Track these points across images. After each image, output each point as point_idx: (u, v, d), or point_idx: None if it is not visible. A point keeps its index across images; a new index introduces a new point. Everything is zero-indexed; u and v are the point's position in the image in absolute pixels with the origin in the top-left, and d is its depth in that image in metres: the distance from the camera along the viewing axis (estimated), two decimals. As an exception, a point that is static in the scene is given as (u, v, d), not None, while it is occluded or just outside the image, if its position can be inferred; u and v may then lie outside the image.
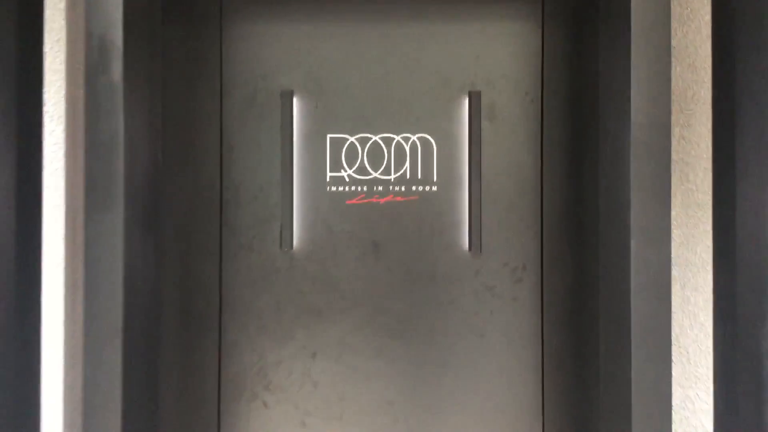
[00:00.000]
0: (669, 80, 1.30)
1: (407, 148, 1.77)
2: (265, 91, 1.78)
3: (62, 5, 1.54)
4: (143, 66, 1.41)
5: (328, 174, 1.78)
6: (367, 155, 1.77)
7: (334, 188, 1.78)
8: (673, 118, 1.54)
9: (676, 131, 1.53)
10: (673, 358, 1.55)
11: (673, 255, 1.54)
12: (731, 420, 1.28)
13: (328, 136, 1.78)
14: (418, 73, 1.79)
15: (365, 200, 1.78)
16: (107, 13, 1.30)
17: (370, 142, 1.77)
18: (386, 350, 1.77)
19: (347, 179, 1.78)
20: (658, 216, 1.30)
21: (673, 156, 1.54)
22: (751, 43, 1.19)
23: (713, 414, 1.39)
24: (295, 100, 1.78)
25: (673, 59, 1.55)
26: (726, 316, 1.29)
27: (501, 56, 1.78)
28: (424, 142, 1.78)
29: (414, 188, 1.77)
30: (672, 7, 1.57)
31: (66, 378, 1.54)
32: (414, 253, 1.77)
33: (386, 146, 1.77)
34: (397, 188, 1.77)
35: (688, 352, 1.51)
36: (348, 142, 1.78)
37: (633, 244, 1.31)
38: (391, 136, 1.78)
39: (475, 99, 1.76)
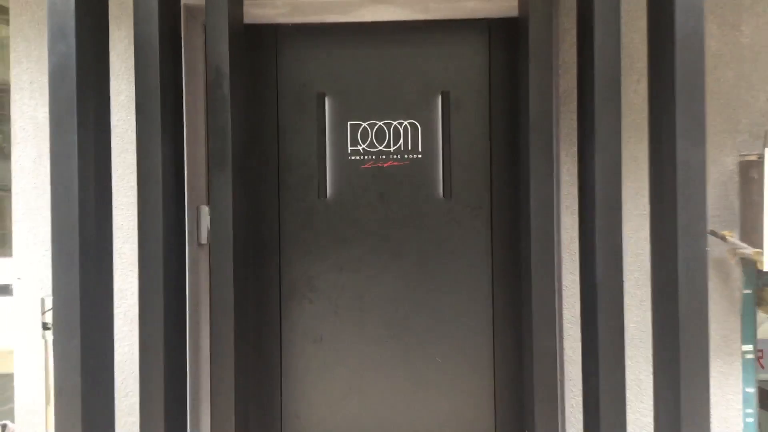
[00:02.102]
0: (551, 85, 2.19)
1: (401, 130, 2.67)
2: (306, 93, 2.69)
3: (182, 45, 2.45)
4: (238, 82, 2.31)
5: (349, 148, 2.68)
6: (374, 135, 2.67)
7: (353, 158, 2.68)
8: (565, 107, 2.43)
9: (567, 116, 2.43)
10: (565, 255, 2.45)
11: (565, 191, 2.43)
12: (585, 281, 2.19)
13: (348, 122, 2.68)
14: (408, 79, 2.68)
15: (374, 165, 2.68)
16: (220, 51, 2.20)
17: (377, 126, 2.67)
18: (389, 264, 2.68)
19: (361, 151, 2.68)
20: (544, 164, 2.19)
21: (566, 131, 2.44)
22: (592, 65, 2.07)
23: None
24: (326, 99, 2.68)
25: (563, 71, 2.44)
26: (581, 224, 2.19)
27: (463, 67, 2.67)
28: (413, 126, 2.67)
29: (406, 156, 2.67)
30: (564, 38, 2.45)
31: (191, 276, 2.46)
32: (407, 199, 2.68)
33: (387, 128, 2.67)
34: (395, 156, 2.67)
35: (575, 253, 2.40)
36: (362, 126, 2.68)
37: (532, 182, 2.21)
38: (390, 121, 2.67)
39: (446, 96, 2.66)
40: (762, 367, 3.37)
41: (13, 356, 2.55)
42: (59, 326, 1.80)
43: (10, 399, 2.61)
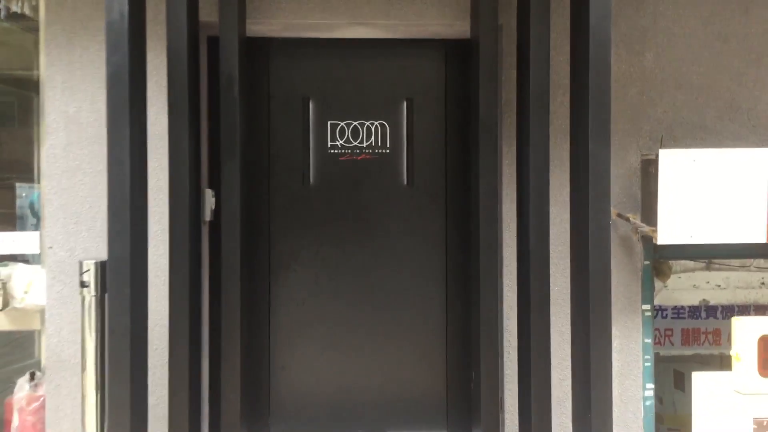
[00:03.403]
0: (496, 95, 2.78)
1: (373, 129, 3.21)
2: (293, 97, 3.21)
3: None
4: (243, 86, 2.82)
5: (329, 143, 3.21)
6: (351, 132, 3.21)
7: (332, 151, 3.21)
8: (507, 113, 3.03)
9: (509, 121, 3.02)
10: (505, 233, 3.05)
11: (506, 181, 3.03)
12: (520, 252, 2.78)
13: (329, 122, 3.21)
14: (379, 87, 3.23)
15: (350, 158, 3.22)
16: (231, 61, 2.71)
17: (352, 125, 3.21)
18: (362, 240, 3.22)
19: (339, 146, 3.22)
20: (490, 159, 2.78)
21: (507, 132, 3.03)
22: (527, 81, 2.67)
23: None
24: (310, 102, 3.20)
25: (506, 84, 3.03)
26: (518, 208, 2.79)
27: (424, 79, 3.24)
28: (382, 125, 3.22)
29: (377, 151, 3.22)
30: (506, 58, 3.04)
31: (198, 247, 2.95)
32: (377, 187, 3.23)
33: (361, 128, 3.21)
34: (367, 151, 3.22)
35: (513, 231, 2.99)
36: (340, 125, 3.21)
37: (480, 173, 2.79)
38: (364, 121, 3.22)
39: (410, 102, 3.22)
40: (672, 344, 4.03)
41: (41, 315, 3.00)
42: (114, 277, 2.28)
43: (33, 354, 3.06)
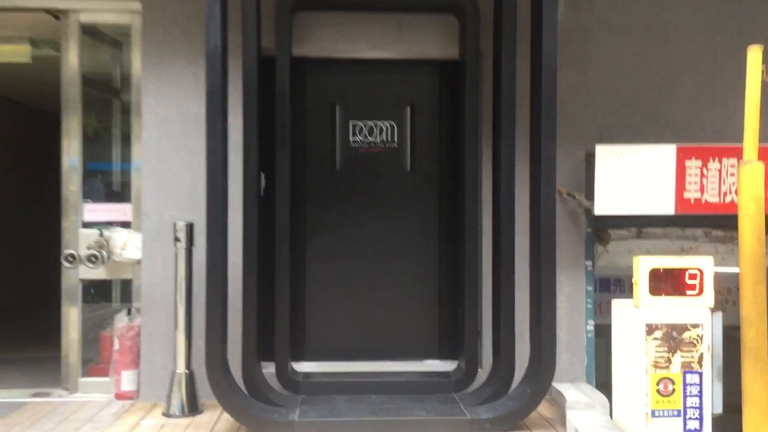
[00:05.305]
0: (477, 104, 3.81)
1: (384, 128, 4.22)
2: (323, 104, 4.22)
3: (252, 70, 3.93)
4: (290, 95, 3.83)
5: (351, 138, 4.22)
6: (367, 130, 4.22)
7: (354, 145, 4.22)
8: (486, 118, 4.04)
9: (487, 123, 4.03)
10: (484, 205, 4.06)
11: (485, 167, 4.05)
12: (494, 219, 3.80)
13: (351, 122, 4.22)
14: (389, 95, 4.24)
15: (367, 150, 4.23)
16: (283, 78, 3.72)
17: (368, 125, 4.22)
18: (376, 212, 4.23)
19: (359, 141, 4.22)
20: (473, 151, 3.80)
21: (486, 131, 4.04)
22: (500, 94, 3.68)
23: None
24: (336, 107, 4.21)
25: (485, 96, 4.04)
26: (493, 186, 3.81)
27: (423, 90, 4.25)
28: (391, 125, 4.23)
29: (387, 145, 4.23)
30: (485, 75, 4.05)
31: (255, 215, 3.96)
32: (387, 172, 4.24)
33: (375, 127, 4.22)
34: (380, 145, 4.23)
35: (489, 204, 4.01)
36: (359, 125, 4.22)
37: (466, 162, 3.81)
38: (377, 122, 4.22)
39: (413, 107, 4.24)
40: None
41: (133, 267, 4.00)
42: (212, 229, 3.27)
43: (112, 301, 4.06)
